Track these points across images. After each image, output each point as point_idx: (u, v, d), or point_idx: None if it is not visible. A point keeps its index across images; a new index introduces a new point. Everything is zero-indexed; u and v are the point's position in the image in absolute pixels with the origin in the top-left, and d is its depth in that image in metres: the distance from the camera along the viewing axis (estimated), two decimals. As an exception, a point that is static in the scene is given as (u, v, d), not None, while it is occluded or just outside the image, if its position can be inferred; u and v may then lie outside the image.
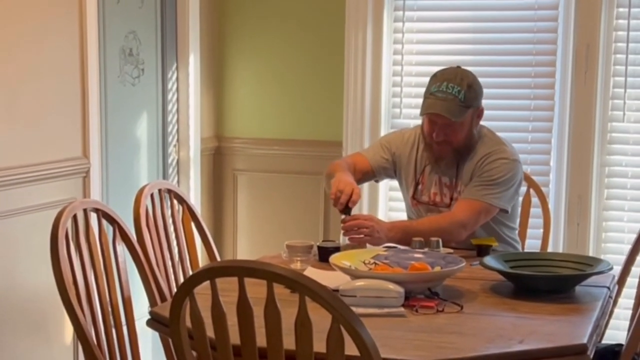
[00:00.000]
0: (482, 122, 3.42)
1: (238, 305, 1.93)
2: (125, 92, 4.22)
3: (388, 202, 4.63)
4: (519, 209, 3.57)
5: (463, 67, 3.37)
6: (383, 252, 2.92)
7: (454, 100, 3.23)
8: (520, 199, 3.56)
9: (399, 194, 4.50)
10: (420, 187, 3.42)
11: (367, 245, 3.17)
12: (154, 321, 2.53)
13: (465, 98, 3.24)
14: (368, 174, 3.54)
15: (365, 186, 4.57)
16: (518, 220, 3.54)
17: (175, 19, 4.56)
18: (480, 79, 3.40)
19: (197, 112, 4.68)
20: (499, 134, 3.48)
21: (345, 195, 3.19)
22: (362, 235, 3.16)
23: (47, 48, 3.65)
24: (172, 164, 4.61)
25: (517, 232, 3.50)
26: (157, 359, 4.02)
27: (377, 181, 3.76)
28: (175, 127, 4.63)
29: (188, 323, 2.03)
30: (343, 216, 3.23)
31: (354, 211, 3.35)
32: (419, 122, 4.07)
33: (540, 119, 4.36)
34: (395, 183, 3.90)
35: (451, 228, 3.23)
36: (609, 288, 2.82)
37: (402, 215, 4.08)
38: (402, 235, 3.20)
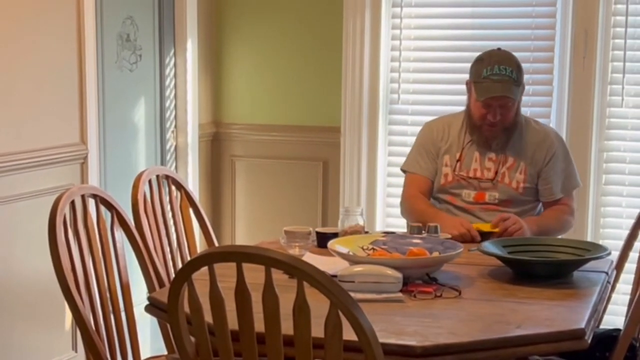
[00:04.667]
0: None
1: (236, 290, 1.93)
2: (122, 78, 4.21)
3: (386, 199, 4.62)
4: None
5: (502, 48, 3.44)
6: (381, 237, 2.92)
7: (510, 80, 3.31)
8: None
9: (397, 191, 4.49)
10: (459, 164, 3.42)
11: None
12: (153, 307, 2.53)
13: (518, 77, 3.34)
14: (432, 186, 3.50)
15: (363, 181, 4.57)
16: None
17: (173, 5, 4.54)
18: (479, 64, 3.41)
19: (194, 98, 4.67)
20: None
21: (471, 232, 3.20)
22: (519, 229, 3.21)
23: (44, 34, 3.63)
24: (170, 150, 4.60)
25: None
26: (155, 345, 4.02)
27: None
28: (173, 113, 4.62)
29: (186, 309, 2.03)
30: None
31: None
32: (417, 107, 4.08)
33: (539, 104, 4.35)
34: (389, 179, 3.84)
35: (570, 218, 3.45)
36: (607, 273, 2.82)
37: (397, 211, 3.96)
38: (537, 229, 3.29)
